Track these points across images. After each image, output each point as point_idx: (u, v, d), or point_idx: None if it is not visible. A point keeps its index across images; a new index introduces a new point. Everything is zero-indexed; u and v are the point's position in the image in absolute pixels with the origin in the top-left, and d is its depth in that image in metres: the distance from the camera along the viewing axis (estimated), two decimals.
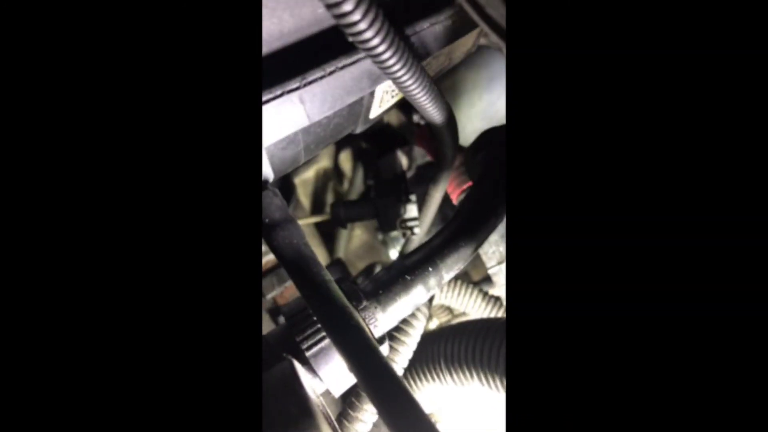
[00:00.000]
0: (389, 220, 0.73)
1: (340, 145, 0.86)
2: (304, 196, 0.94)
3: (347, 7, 0.25)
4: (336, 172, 0.88)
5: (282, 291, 0.72)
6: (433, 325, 0.71)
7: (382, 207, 0.73)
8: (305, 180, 0.90)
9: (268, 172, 0.35)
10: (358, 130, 0.46)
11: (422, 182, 0.74)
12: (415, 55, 0.34)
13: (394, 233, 0.77)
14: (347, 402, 0.46)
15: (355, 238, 0.91)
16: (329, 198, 0.89)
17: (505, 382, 0.49)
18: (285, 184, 0.85)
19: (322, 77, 0.32)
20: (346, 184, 0.86)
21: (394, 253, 0.83)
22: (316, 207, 0.93)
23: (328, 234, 0.92)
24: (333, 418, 0.31)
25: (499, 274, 0.71)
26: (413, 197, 0.72)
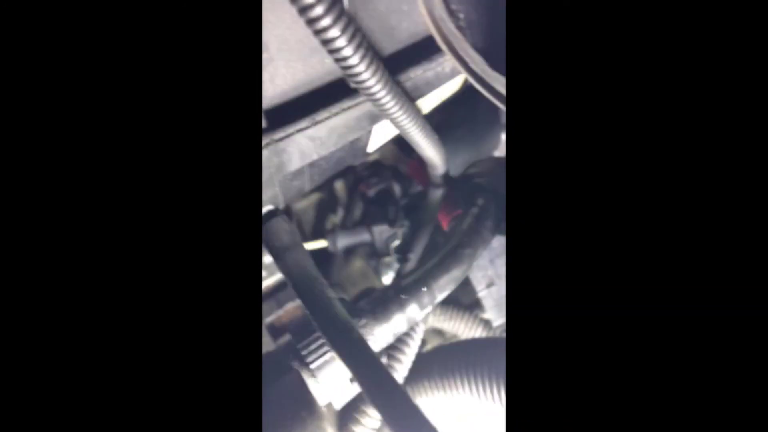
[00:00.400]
0: (383, 247, 0.77)
1: (336, 175, 0.90)
2: (300, 224, 0.97)
3: (354, 60, 0.30)
4: (332, 200, 0.92)
5: (280, 315, 0.75)
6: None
7: (376, 234, 0.77)
8: (303, 208, 0.94)
9: (279, 200, 0.39)
10: (357, 162, 0.50)
11: (414, 210, 0.78)
12: (408, 97, 0.38)
13: (388, 259, 0.80)
14: (351, 410, 0.49)
15: (349, 264, 0.94)
16: (325, 225, 0.93)
17: (499, 391, 0.52)
18: (287, 212, 0.89)
19: (328, 117, 0.37)
20: (341, 212, 0.90)
21: (387, 280, 0.86)
22: (313, 234, 0.96)
23: (323, 260, 0.94)
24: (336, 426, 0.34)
25: (487, 298, 0.74)
26: (406, 224, 0.76)
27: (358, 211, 0.82)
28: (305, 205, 0.89)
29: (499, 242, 0.72)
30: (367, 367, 0.32)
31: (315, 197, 0.95)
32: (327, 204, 0.90)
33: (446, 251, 0.48)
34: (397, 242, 0.76)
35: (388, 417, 0.30)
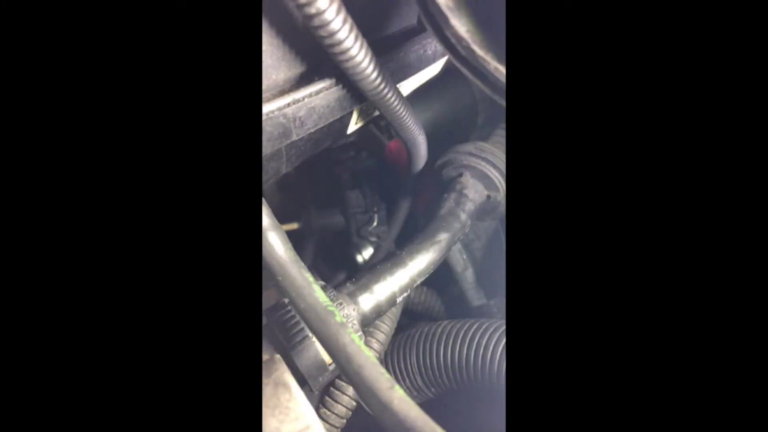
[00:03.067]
0: (358, 230, 0.77)
1: (313, 157, 0.89)
2: (273, 205, 0.95)
3: (342, 35, 0.29)
4: (307, 180, 0.90)
5: None
6: None
7: (352, 217, 0.76)
8: (275, 189, 0.92)
9: None
10: (335, 144, 0.49)
11: (391, 194, 0.78)
12: (392, 78, 0.38)
13: (363, 241, 0.80)
14: (327, 392, 0.49)
15: (323, 245, 0.93)
16: (298, 207, 0.91)
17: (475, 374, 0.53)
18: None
19: (308, 97, 0.36)
20: (316, 193, 0.89)
21: (361, 261, 0.86)
22: (286, 215, 0.95)
23: (295, 241, 0.93)
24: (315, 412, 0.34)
25: (463, 281, 0.75)
26: (382, 207, 0.76)
27: (333, 193, 0.81)
28: (278, 186, 0.87)
29: (474, 226, 0.72)
30: (351, 352, 0.32)
31: (289, 177, 0.93)
32: (302, 184, 0.89)
33: (424, 235, 0.48)
34: (373, 226, 0.75)
35: (368, 397, 0.30)
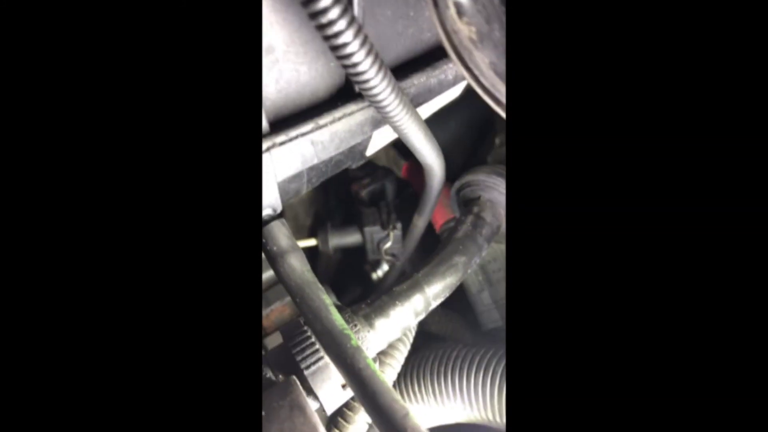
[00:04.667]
0: (375, 248, 0.77)
1: (332, 177, 0.90)
2: (287, 220, 0.96)
3: (365, 66, 0.30)
4: (322, 199, 0.91)
5: (268, 313, 0.74)
6: None
7: (368, 235, 0.76)
8: (290, 205, 0.93)
9: (278, 204, 0.39)
10: (355, 165, 0.50)
11: (406, 212, 0.78)
12: (411, 103, 0.38)
13: (379, 260, 0.80)
14: (340, 413, 0.49)
15: (339, 262, 0.93)
16: (316, 224, 0.92)
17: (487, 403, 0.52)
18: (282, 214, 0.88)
19: (331, 122, 0.36)
20: (333, 211, 0.90)
21: (377, 280, 0.86)
22: (299, 232, 0.95)
23: (312, 257, 0.94)
24: None
25: (477, 303, 0.75)
26: (398, 225, 0.76)
27: (349, 212, 0.82)
28: (293, 201, 0.88)
29: (490, 249, 0.72)
30: (365, 376, 0.32)
31: (306, 195, 0.94)
32: (318, 202, 0.90)
33: (441, 258, 0.48)
34: (389, 244, 0.76)
35: (382, 424, 0.30)
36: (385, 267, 0.83)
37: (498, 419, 0.51)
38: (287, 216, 0.98)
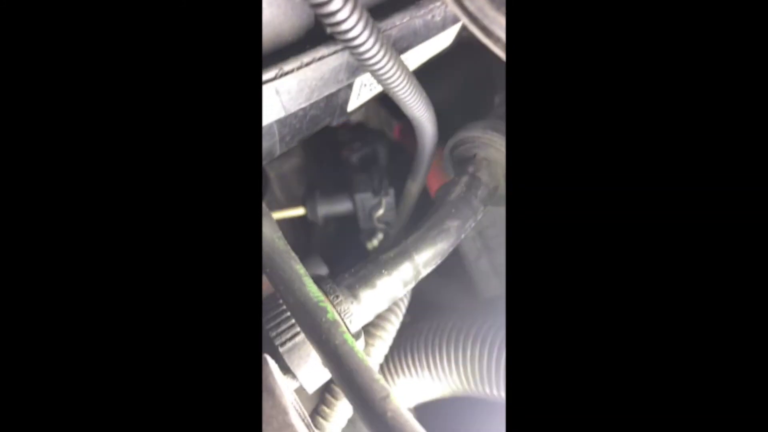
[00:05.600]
0: (367, 216, 0.73)
1: (317, 138, 0.85)
2: (279, 190, 0.92)
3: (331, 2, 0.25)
4: (314, 166, 0.87)
5: None
6: None
7: (359, 202, 0.72)
8: (281, 174, 0.89)
9: None
10: (335, 122, 0.45)
11: (401, 178, 0.74)
12: (394, 48, 0.33)
13: (371, 229, 0.77)
14: (322, 398, 0.46)
15: (335, 233, 0.90)
16: (305, 192, 0.88)
17: (484, 376, 0.49)
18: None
19: (299, 68, 0.32)
20: (322, 178, 0.85)
21: (371, 248, 0.83)
22: (293, 201, 0.92)
23: (304, 227, 0.91)
24: (307, 415, 0.31)
25: (476, 270, 0.71)
26: (391, 192, 0.72)
27: (340, 178, 0.77)
28: (284, 171, 0.84)
29: (488, 213, 0.68)
30: (340, 353, 0.29)
31: (296, 162, 0.90)
32: (308, 168, 0.85)
33: (432, 223, 0.44)
34: (381, 211, 0.72)
35: (360, 408, 0.27)
36: (381, 236, 0.79)
37: (495, 392, 0.48)
38: (279, 186, 0.94)
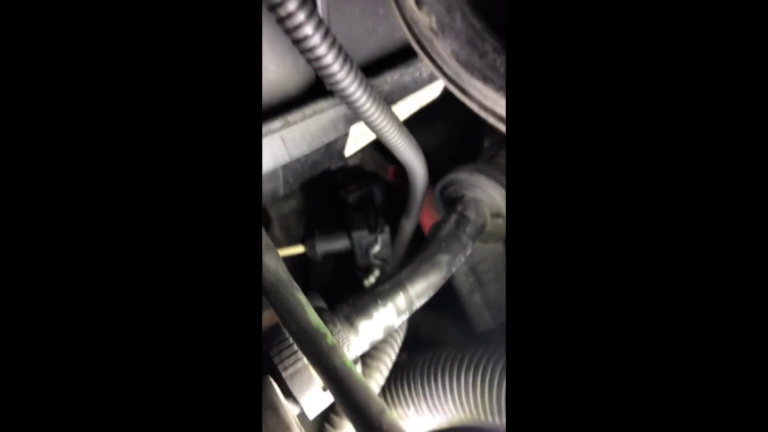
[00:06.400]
0: (363, 253, 0.76)
1: (316, 180, 0.90)
2: (279, 230, 0.96)
3: (328, 60, 0.30)
4: (312, 207, 0.91)
5: None
6: None
7: (356, 240, 0.76)
8: (281, 215, 0.93)
9: None
10: (334, 166, 0.49)
11: (396, 216, 0.77)
12: (385, 100, 0.38)
13: (368, 265, 0.80)
14: (326, 417, 0.48)
15: (333, 270, 0.93)
16: (304, 231, 0.91)
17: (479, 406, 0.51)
18: (263, 217, 0.88)
19: (302, 119, 0.36)
20: (321, 217, 0.89)
21: (368, 284, 0.86)
22: (292, 241, 0.95)
23: (302, 265, 0.93)
24: None
25: (469, 305, 0.74)
26: (386, 230, 0.76)
27: (337, 218, 0.81)
28: (284, 212, 0.88)
29: (479, 249, 0.72)
30: (342, 376, 0.31)
31: (295, 204, 0.94)
32: (307, 209, 0.89)
33: (424, 257, 0.47)
34: (377, 248, 0.75)
35: (357, 421, 0.29)
36: (378, 273, 0.82)
37: (491, 419, 0.50)
38: (279, 227, 0.97)
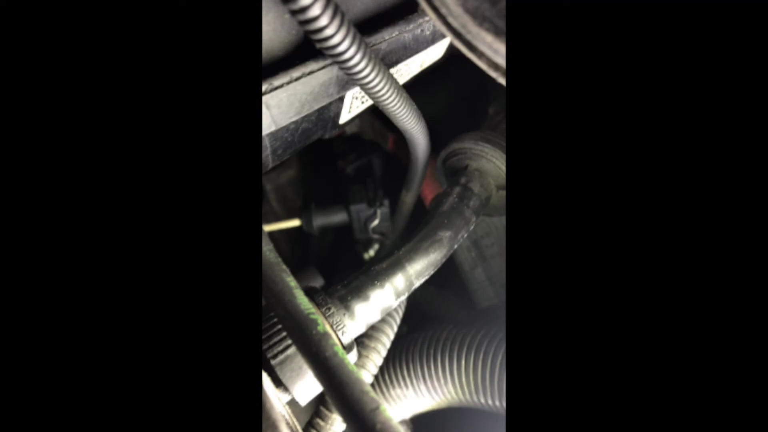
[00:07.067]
0: (362, 227, 0.73)
1: (313, 150, 0.86)
2: (276, 202, 0.93)
3: (314, 12, 0.25)
4: (310, 177, 0.87)
5: None
6: None
7: (354, 213, 0.73)
8: (278, 186, 0.89)
9: None
10: (328, 135, 0.45)
11: (397, 188, 0.74)
12: (382, 62, 0.34)
13: (366, 240, 0.77)
14: (316, 411, 0.46)
15: (333, 244, 0.90)
16: (300, 203, 0.88)
17: (477, 387, 0.49)
18: None
19: (288, 82, 0.32)
20: (318, 189, 0.86)
21: (368, 258, 0.83)
22: (289, 213, 0.92)
23: (301, 238, 0.91)
24: (300, 429, 0.31)
25: (471, 281, 0.71)
26: (386, 202, 0.72)
27: (335, 189, 0.78)
28: (280, 183, 0.84)
29: (483, 223, 0.68)
30: (331, 365, 0.29)
31: (293, 174, 0.90)
32: (305, 179, 0.86)
33: (424, 234, 0.44)
34: (376, 222, 0.72)
35: (351, 421, 0.27)
36: (377, 246, 0.79)
37: (490, 402, 0.48)
38: (276, 198, 0.94)
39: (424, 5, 0.26)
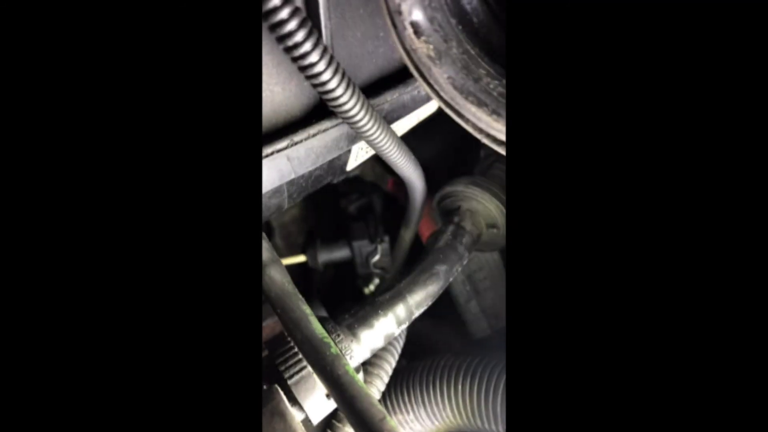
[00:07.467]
0: (364, 261, 0.78)
1: (316, 192, 0.91)
2: (280, 239, 0.98)
3: (332, 84, 0.31)
4: (313, 216, 0.93)
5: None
6: None
7: (357, 249, 0.78)
8: (283, 224, 0.94)
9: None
10: (336, 180, 0.51)
11: (396, 226, 0.79)
12: (384, 119, 0.40)
13: (368, 274, 0.81)
14: (328, 424, 0.49)
15: (333, 279, 0.94)
16: (306, 240, 0.93)
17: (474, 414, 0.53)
18: (266, 227, 0.89)
19: (306, 138, 0.38)
20: (322, 227, 0.91)
21: (368, 292, 0.87)
22: (293, 250, 0.96)
23: (304, 274, 0.95)
24: None
25: (466, 313, 0.76)
26: (386, 238, 0.77)
27: (338, 226, 0.83)
28: (287, 219, 0.89)
29: (476, 258, 0.73)
30: (345, 383, 0.33)
31: (296, 212, 0.95)
32: (308, 218, 0.91)
33: (422, 267, 0.49)
34: (377, 257, 0.77)
35: (360, 427, 0.31)
36: (377, 281, 0.84)
37: (487, 426, 0.52)
38: (280, 235, 0.99)
39: (420, 81, 0.32)
